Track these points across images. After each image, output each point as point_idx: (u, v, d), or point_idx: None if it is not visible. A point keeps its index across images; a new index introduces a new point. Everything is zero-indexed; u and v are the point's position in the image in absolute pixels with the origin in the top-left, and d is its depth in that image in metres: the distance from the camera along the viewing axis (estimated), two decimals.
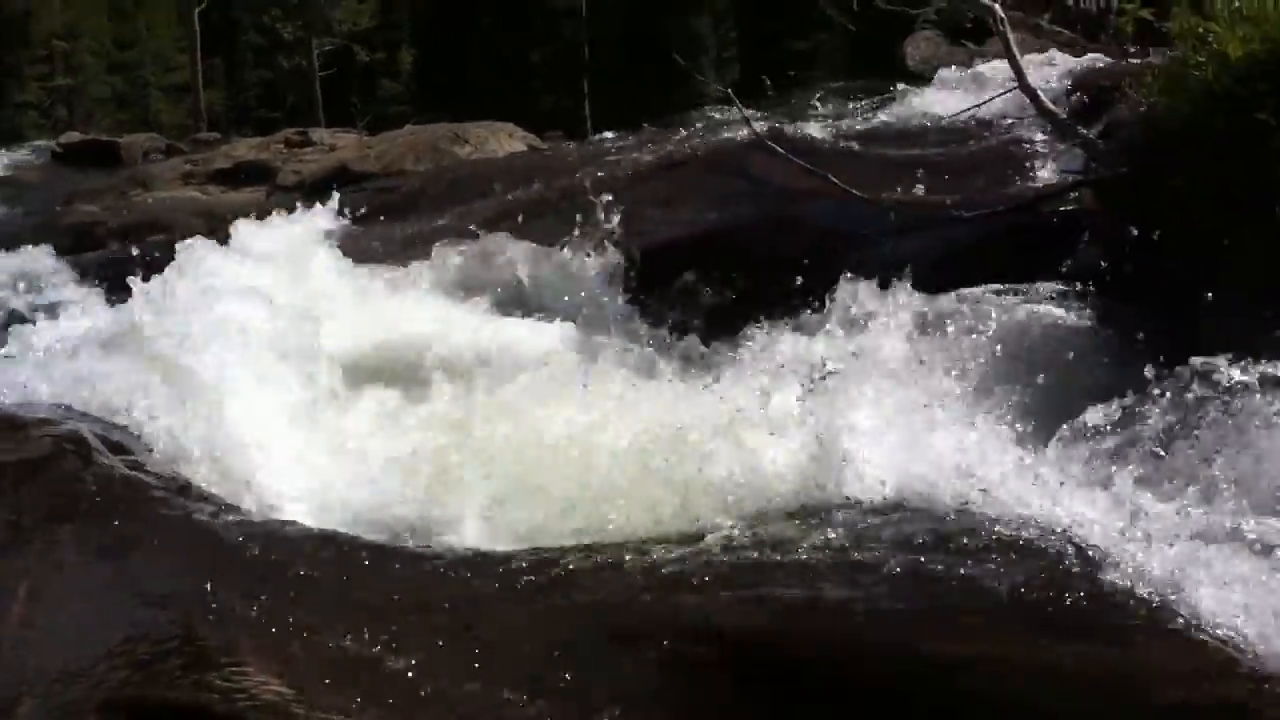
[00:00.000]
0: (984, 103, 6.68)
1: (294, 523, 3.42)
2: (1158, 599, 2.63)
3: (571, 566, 3.13)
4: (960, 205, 5.90)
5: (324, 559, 3.18)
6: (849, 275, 5.56)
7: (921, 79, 9.94)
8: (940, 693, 2.47)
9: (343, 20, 26.08)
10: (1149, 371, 4.46)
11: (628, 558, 3.25)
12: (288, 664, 2.66)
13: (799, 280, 5.57)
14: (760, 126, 8.37)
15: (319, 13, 25.35)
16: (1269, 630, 2.44)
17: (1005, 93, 6.60)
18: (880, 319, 5.33)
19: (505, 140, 11.96)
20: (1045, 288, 5.59)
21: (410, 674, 2.69)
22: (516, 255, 6.42)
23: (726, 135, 8.64)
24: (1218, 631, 2.49)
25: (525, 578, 3.09)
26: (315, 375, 4.64)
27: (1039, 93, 5.84)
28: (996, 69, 8.27)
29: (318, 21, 25.37)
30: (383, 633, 2.81)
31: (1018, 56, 5.81)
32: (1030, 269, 5.73)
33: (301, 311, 4.98)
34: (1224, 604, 2.53)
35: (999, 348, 5.11)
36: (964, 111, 7.07)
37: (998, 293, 5.54)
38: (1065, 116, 5.91)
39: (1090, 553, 2.92)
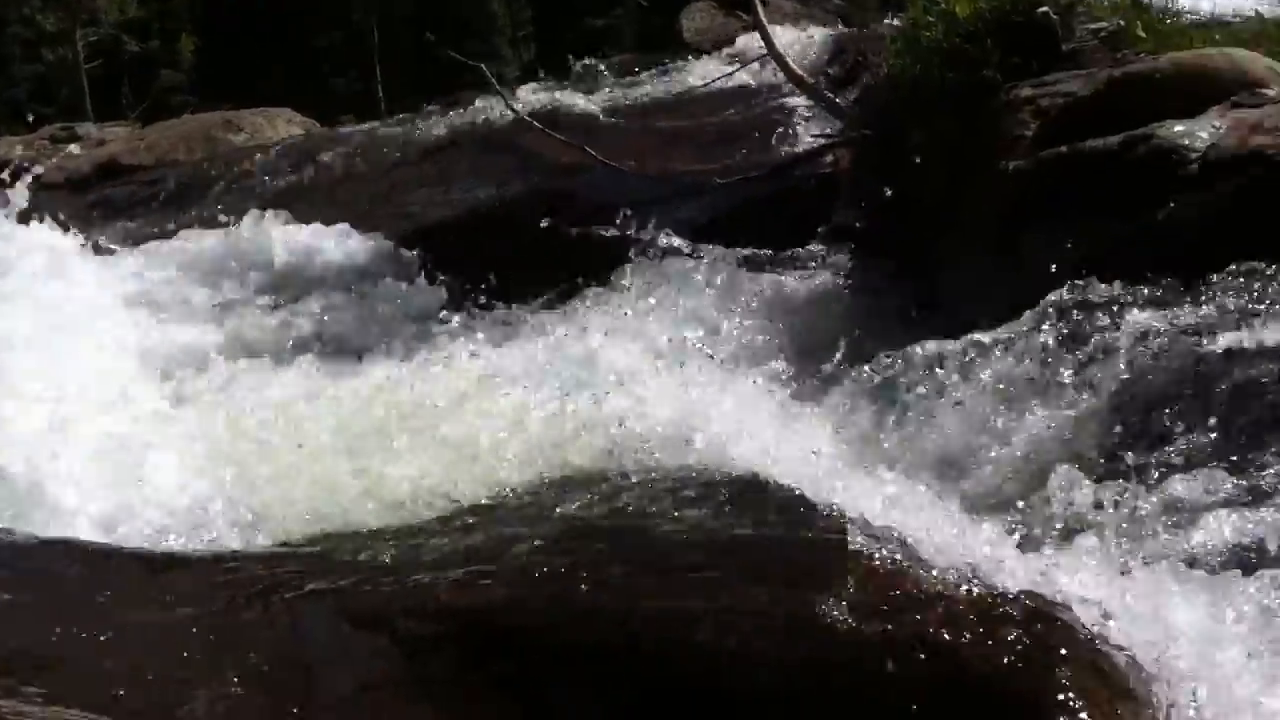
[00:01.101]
0: (733, 71, 6.80)
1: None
2: (875, 542, 2.71)
3: (305, 555, 3.06)
4: (719, 173, 6.00)
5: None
6: (615, 243, 5.62)
7: (698, 51, 10.06)
8: (660, 646, 2.49)
9: (108, 10, 24.93)
10: (891, 328, 4.63)
11: (368, 542, 3.21)
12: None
13: (565, 252, 5.60)
14: (542, 101, 8.39)
15: (82, 2, 24.17)
16: (966, 566, 2.54)
17: (756, 60, 6.73)
18: (643, 284, 5.40)
19: (282, 126, 11.60)
20: (803, 250, 5.75)
21: (126, 672, 2.59)
22: (277, 238, 6.26)
23: (503, 114, 8.61)
24: (922, 569, 2.58)
25: (257, 571, 3.01)
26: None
27: (787, 59, 5.97)
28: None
29: (80, 11, 24.18)
30: (98, 633, 2.70)
31: (766, 25, 5.94)
32: (790, 232, 5.88)
33: None
34: (931, 543, 2.63)
35: (755, 308, 5.24)
36: (716, 80, 7.18)
37: (756, 255, 5.68)
38: (815, 81, 6.05)
39: (818, 500, 3.00)
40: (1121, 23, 4.87)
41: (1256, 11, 5.31)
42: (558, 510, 3.32)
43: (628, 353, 4.46)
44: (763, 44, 6.07)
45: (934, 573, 2.55)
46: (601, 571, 2.79)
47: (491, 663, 2.59)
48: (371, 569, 3.02)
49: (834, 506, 2.95)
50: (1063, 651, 2.30)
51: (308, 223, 6.58)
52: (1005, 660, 2.30)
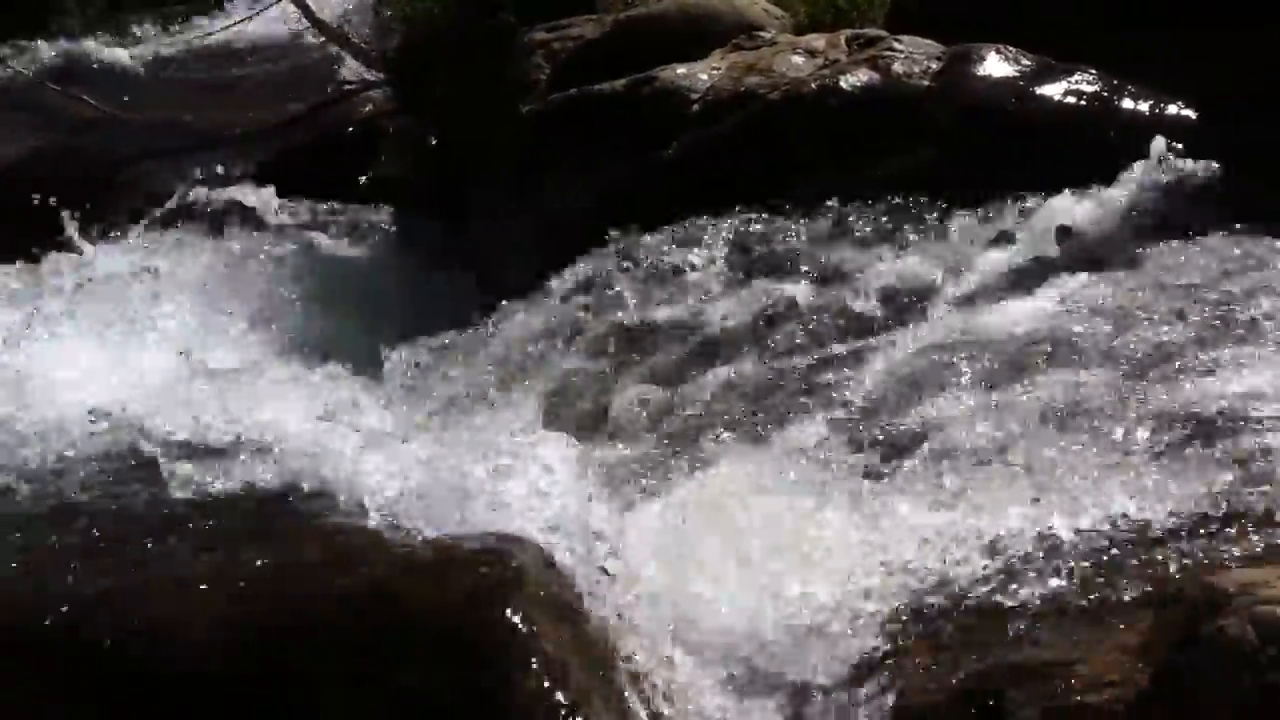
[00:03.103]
0: (250, 17, 6.52)
1: None
2: (345, 496, 2.63)
3: None
4: (241, 124, 5.72)
5: None
6: (135, 199, 5.24)
7: None
8: (106, 626, 2.31)
9: None
10: (437, 290, 4.54)
11: None
12: None
13: (81, 209, 5.16)
14: (69, 53, 7.78)
15: None
16: (428, 512, 2.50)
17: (271, 4, 6.47)
18: (167, 242, 5.06)
19: None
20: (344, 205, 5.56)
21: None
22: None
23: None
24: (395, 523, 2.52)
25: None
26: None
27: (307, 3, 5.75)
28: None
29: None
30: None
31: None
32: (330, 184, 5.67)
33: None
34: (391, 492, 2.57)
35: (290, 268, 5.03)
36: (235, 23, 6.86)
37: (295, 216, 5.45)
38: (339, 27, 5.88)
39: (298, 460, 2.87)
40: None
41: None
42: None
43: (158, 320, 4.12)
44: None
45: (406, 526, 2.50)
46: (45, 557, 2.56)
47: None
48: None
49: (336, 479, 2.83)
50: (512, 586, 2.30)
51: None
52: (454, 600, 2.28)
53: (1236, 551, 1.95)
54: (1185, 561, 1.96)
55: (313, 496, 2.68)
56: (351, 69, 6.71)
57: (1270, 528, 2.02)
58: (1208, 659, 1.56)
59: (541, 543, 2.46)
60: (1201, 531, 2.06)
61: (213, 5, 8.22)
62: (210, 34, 7.30)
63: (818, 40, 4.60)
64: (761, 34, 4.74)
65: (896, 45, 4.41)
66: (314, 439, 3.03)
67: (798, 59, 4.48)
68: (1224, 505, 2.12)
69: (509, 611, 2.24)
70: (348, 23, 6.19)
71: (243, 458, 2.88)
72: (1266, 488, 2.15)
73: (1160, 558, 2.00)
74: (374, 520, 2.53)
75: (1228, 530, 2.03)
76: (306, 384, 3.63)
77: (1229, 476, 2.21)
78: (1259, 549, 1.95)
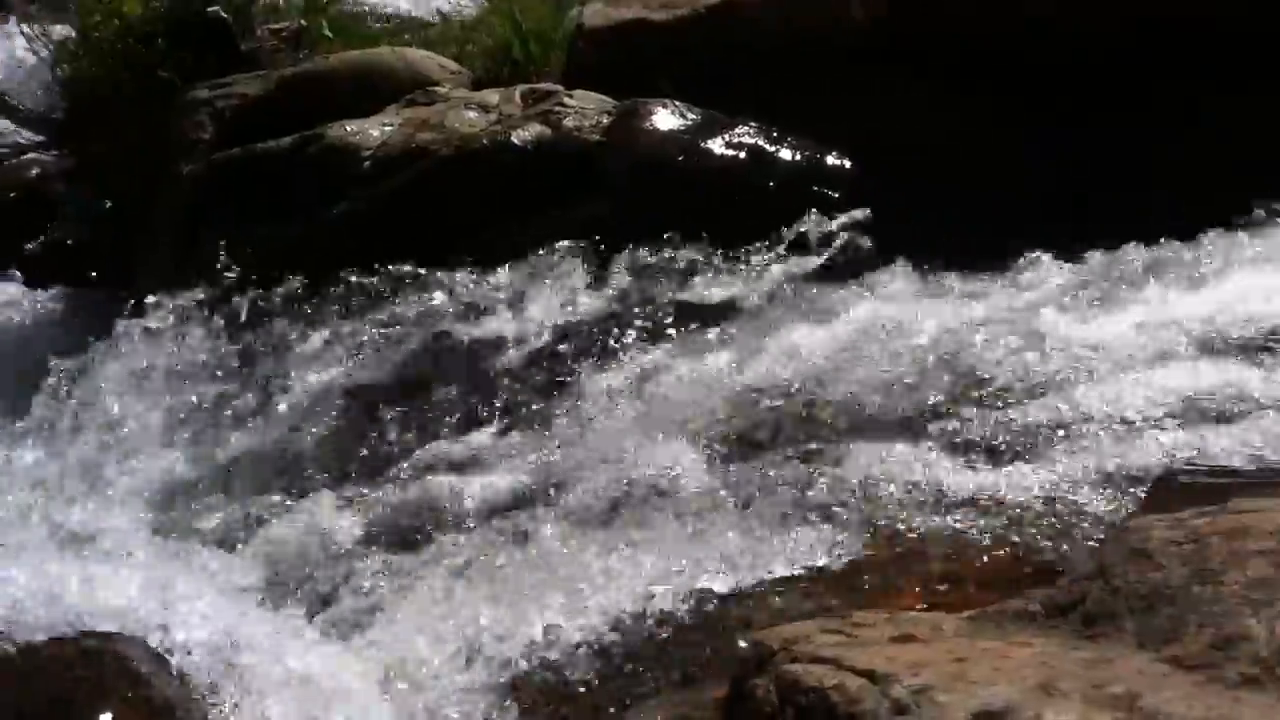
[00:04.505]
0: None
1: None
2: None
3: None
4: None
5: None
6: None
7: None
8: None
9: None
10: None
11: None
12: None
13: None
14: None
15: None
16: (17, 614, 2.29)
17: None
18: None
19: None
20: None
21: None
22: None
23: None
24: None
25: None
26: None
27: None
28: None
29: None
30: None
31: None
32: None
33: None
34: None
35: None
36: None
37: None
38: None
39: None
40: (304, 22, 4.85)
41: (438, 11, 5.53)
42: None
43: None
44: None
45: None
46: None
47: None
48: None
49: None
50: (103, 691, 2.12)
51: None
52: (37, 709, 2.09)
53: (808, 606, 1.96)
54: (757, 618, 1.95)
55: None
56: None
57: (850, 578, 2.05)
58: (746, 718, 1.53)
59: (151, 641, 2.28)
60: (781, 589, 2.06)
61: None
62: None
63: (492, 95, 4.55)
64: (437, 89, 4.66)
65: (568, 100, 4.41)
66: None
67: (471, 114, 4.42)
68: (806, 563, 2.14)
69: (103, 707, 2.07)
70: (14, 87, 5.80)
71: None
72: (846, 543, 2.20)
73: (738, 616, 1.99)
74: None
75: (804, 587, 2.04)
76: None
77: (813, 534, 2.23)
78: (831, 603, 1.96)
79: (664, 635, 2.03)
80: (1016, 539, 2.21)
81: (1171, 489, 2.25)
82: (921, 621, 1.82)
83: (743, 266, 3.81)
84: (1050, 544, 2.17)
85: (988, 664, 1.57)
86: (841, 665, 1.60)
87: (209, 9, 4.55)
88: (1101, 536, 2.07)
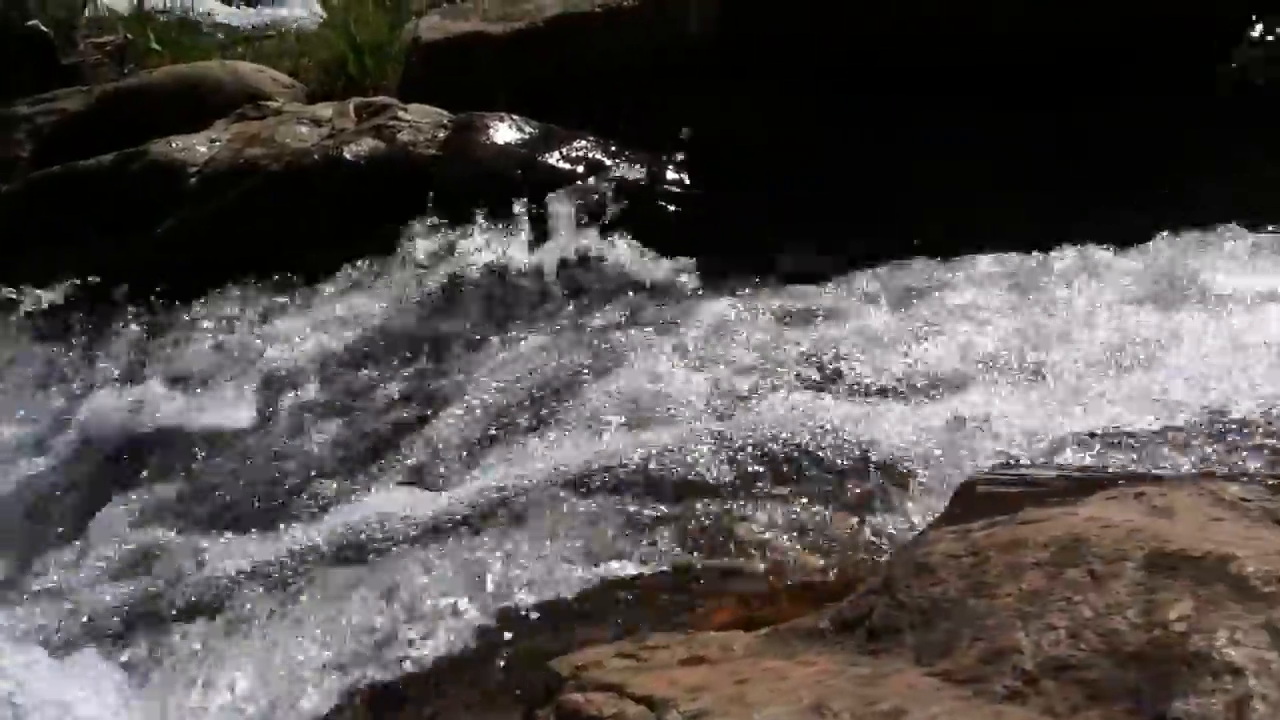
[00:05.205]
0: None
1: None
2: None
3: None
4: None
5: None
6: None
7: None
8: None
9: None
10: None
11: None
12: None
13: None
14: None
15: None
16: None
17: None
18: None
19: None
20: None
21: None
22: None
23: None
24: None
25: None
26: None
27: None
28: None
29: None
30: None
31: None
32: None
33: None
34: None
35: None
36: None
37: None
38: None
39: None
40: (129, 35, 4.70)
41: (272, 24, 5.41)
42: None
43: None
44: None
45: None
46: None
47: None
48: None
49: None
50: None
51: None
52: None
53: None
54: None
55: None
56: None
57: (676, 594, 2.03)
58: None
59: None
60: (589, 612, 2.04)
61: None
62: None
63: (325, 109, 4.47)
64: (268, 103, 4.57)
65: (403, 114, 4.35)
66: None
67: (303, 129, 4.33)
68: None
69: None
70: None
71: None
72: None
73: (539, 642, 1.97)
74: None
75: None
76: None
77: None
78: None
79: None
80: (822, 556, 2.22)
81: (972, 499, 2.29)
82: (713, 642, 1.81)
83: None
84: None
85: (766, 685, 1.57)
86: (624, 692, 1.58)
87: (27, 22, 4.38)
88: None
